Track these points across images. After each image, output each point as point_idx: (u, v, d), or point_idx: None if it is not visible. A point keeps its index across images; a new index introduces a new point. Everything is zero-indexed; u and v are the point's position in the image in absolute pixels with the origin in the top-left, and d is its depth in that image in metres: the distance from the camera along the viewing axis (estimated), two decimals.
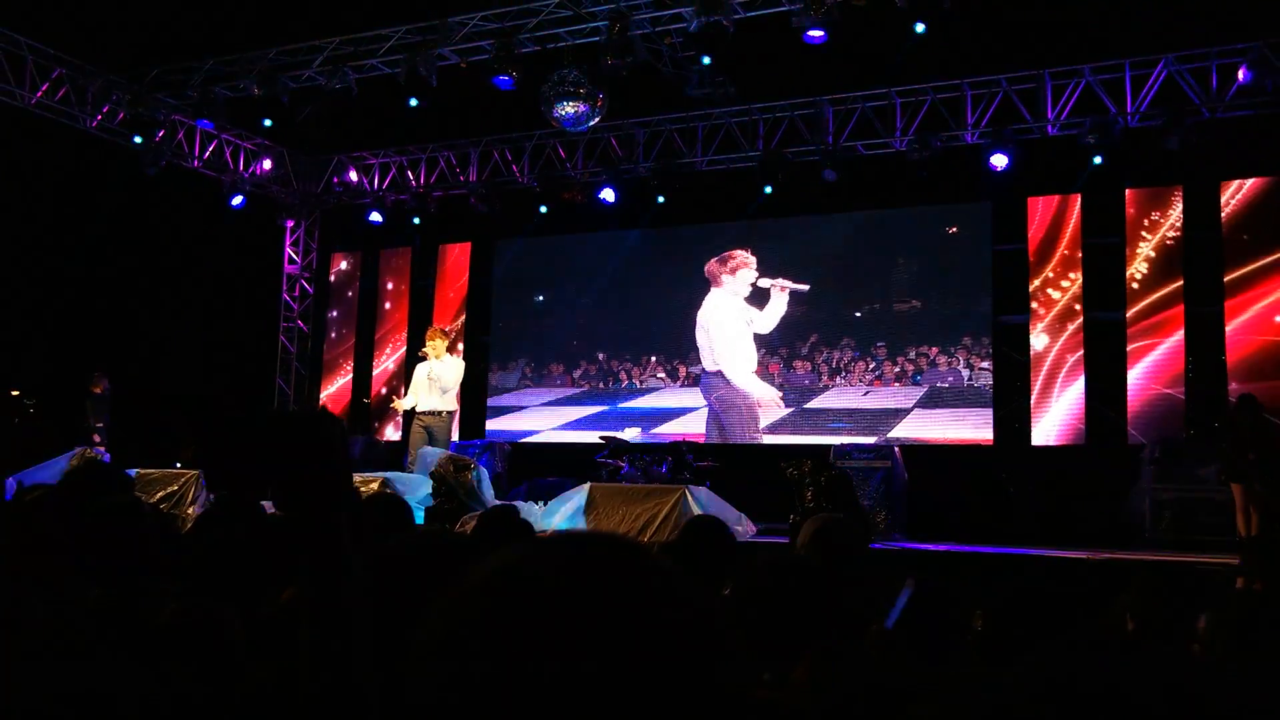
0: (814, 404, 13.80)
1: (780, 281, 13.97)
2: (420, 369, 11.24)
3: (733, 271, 14.26)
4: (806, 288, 13.90)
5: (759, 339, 14.16)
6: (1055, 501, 11.43)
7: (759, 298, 14.13)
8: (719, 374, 14.21)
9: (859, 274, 13.84)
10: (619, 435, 12.27)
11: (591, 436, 13.40)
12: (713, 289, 14.40)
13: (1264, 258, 11.66)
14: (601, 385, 15.07)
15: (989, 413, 12.83)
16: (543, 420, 15.16)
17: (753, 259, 14.22)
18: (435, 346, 11.09)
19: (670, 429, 13.99)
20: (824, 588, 2.54)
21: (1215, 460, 10.39)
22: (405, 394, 11.91)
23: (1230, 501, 10.03)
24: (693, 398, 14.38)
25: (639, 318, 15.00)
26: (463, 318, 15.85)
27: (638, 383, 14.85)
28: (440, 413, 10.92)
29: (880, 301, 13.72)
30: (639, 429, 14.19)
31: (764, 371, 14.11)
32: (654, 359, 14.80)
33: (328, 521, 1.41)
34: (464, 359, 15.40)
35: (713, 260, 14.43)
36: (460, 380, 11.28)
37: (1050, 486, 11.77)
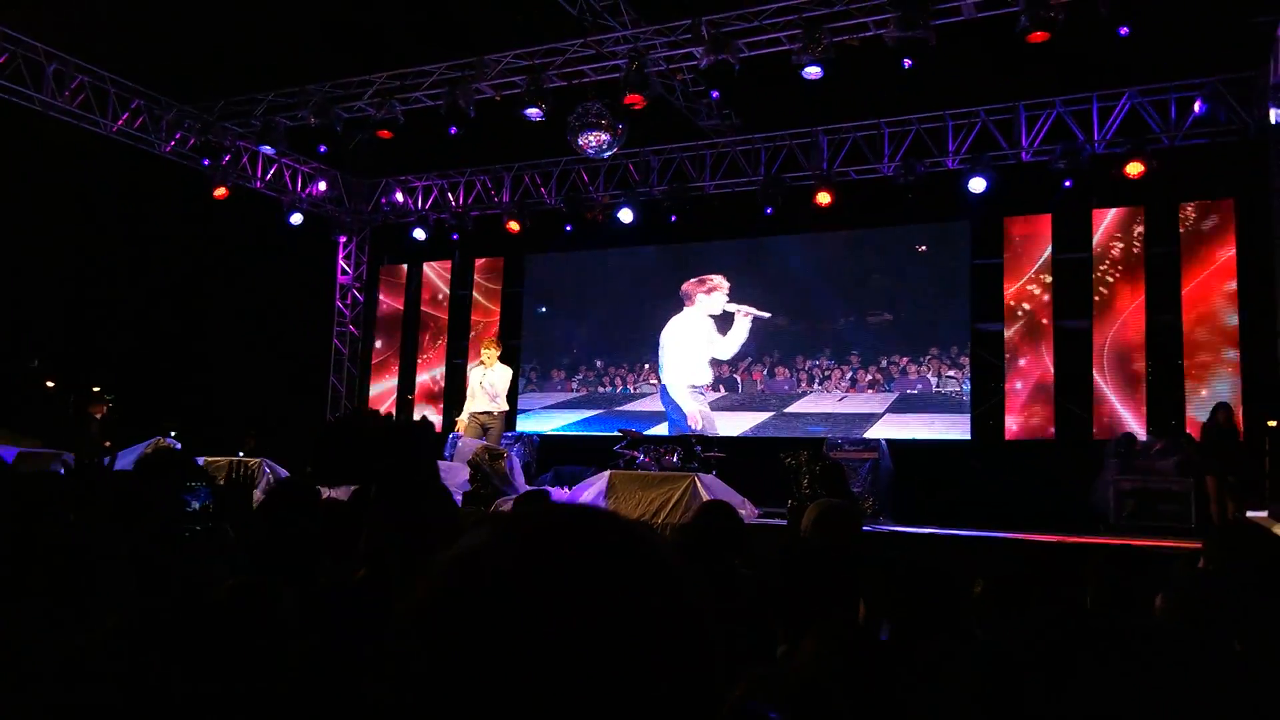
0: (793, 408, 13.65)
1: (745, 308, 13.74)
2: (474, 374, 11.35)
3: (708, 293, 14.11)
4: (769, 315, 13.70)
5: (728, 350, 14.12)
6: (1026, 491, 11.32)
7: (724, 321, 14.03)
8: (673, 386, 14.19)
9: (846, 288, 13.70)
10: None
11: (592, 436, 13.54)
12: (685, 307, 14.28)
13: (1214, 270, 11.57)
14: (599, 390, 14.91)
15: (957, 417, 12.72)
16: (546, 423, 14.97)
17: (726, 283, 14.04)
18: (489, 355, 11.23)
19: (662, 431, 13.78)
20: (830, 565, 2.51)
21: (1174, 454, 10.35)
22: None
23: (1185, 492, 9.98)
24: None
25: (641, 328, 14.76)
26: (496, 324, 15.85)
27: (632, 388, 14.69)
28: (492, 413, 11.00)
29: (856, 314, 13.55)
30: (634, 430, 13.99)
31: (747, 378, 13.99)
32: (648, 365, 14.61)
33: (418, 506, 1.41)
34: (496, 361, 15.48)
35: (690, 281, 14.31)
36: (508, 384, 11.37)
37: (1022, 477, 11.67)
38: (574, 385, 15.12)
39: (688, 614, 0.68)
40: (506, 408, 11.29)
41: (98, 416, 11.91)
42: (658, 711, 0.63)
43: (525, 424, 15.02)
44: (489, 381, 11.03)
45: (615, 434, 11.77)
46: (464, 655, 0.64)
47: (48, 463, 9.37)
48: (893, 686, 2.10)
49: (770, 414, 13.71)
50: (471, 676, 0.63)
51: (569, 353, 15.27)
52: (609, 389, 14.86)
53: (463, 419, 11.23)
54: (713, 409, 14.03)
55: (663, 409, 14.23)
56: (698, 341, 14.07)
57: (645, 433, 13.44)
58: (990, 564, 2.61)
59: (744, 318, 13.76)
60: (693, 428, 13.52)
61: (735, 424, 13.88)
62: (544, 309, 15.61)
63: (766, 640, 2.65)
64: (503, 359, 15.45)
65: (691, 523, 3.76)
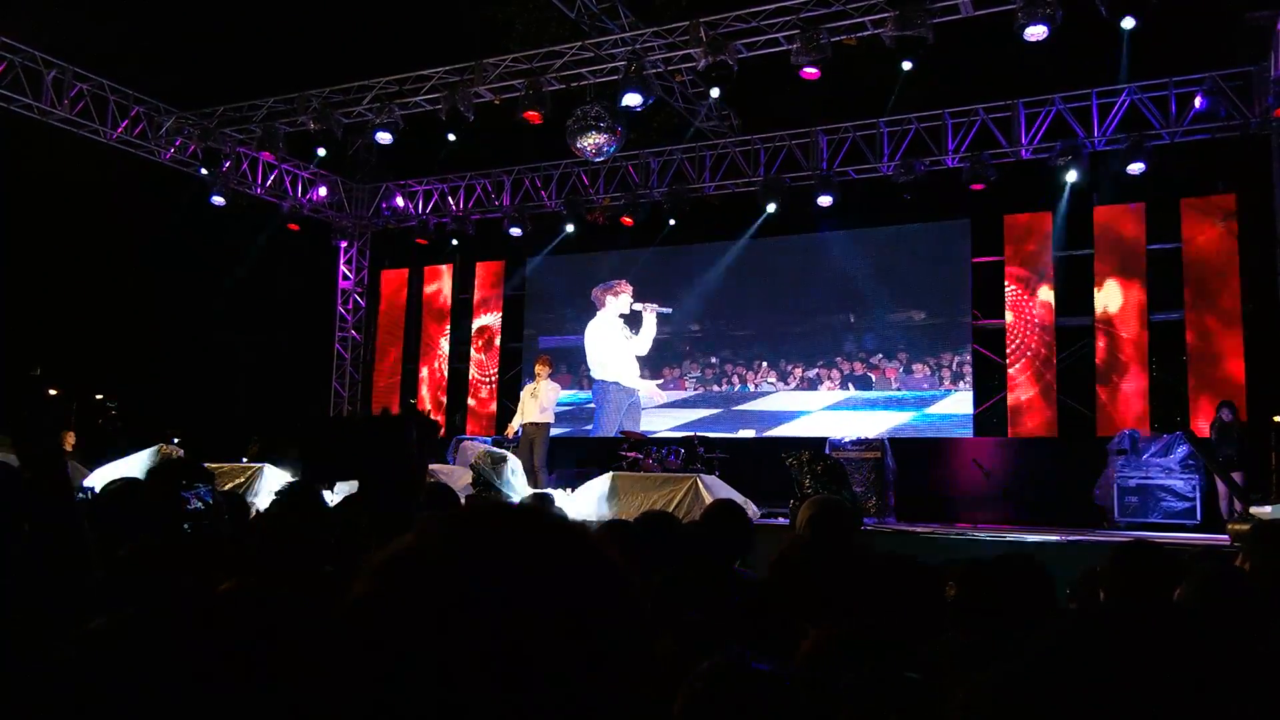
0: (936, 409, 12.81)
1: (649, 305, 14.21)
2: (525, 389, 11.73)
3: (615, 295, 14.59)
4: (670, 310, 14.12)
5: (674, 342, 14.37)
6: (1030, 488, 11.31)
7: (635, 321, 14.45)
8: (609, 381, 14.47)
9: (855, 287, 13.60)
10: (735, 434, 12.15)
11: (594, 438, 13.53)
12: (599, 311, 14.63)
13: (1217, 266, 11.56)
14: (715, 389, 14.27)
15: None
16: (662, 422, 14.21)
17: (630, 287, 14.49)
18: (541, 370, 11.63)
19: (784, 431, 13.16)
20: (824, 563, 2.51)
21: (1178, 451, 10.34)
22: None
23: (1190, 489, 9.97)
24: (806, 400, 13.56)
25: (750, 323, 14.22)
26: (499, 326, 15.89)
27: (751, 386, 14.13)
28: (540, 424, 11.30)
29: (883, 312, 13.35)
30: (753, 430, 13.50)
31: (880, 375, 13.25)
32: (764, 363, 14.00)
33: (405, 506, 1.41)
34: (498, 364, 15.62)
35: (597, 287, 14.69)
36: (556, 399, 11.73)
37: (1026, 474, 11.66)
38: (688, 384, 14.53)
39: (618, 600, 0.69)
40: (551, 419, 11.60)
41: (67, 447, 11.51)
42: (594, 696, 0.64)
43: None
44: (539, 393, 11.42)
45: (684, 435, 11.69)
46: (397, 649, 0.65)
47: None
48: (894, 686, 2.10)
49: (910, 414, 12.94)
50: (406, 670, 0.64)
51: (681, 349, 14.65)
52: (727, 387, 14.29)
53: (512, 428, 11.72)
54: (839, 409, 13.39)
55: (776, 409, 13.76)
56: (614, 340, 14.56)
57: (768, 433, 13.16)
58: (981, 563, 2.59)
59: (649, 314, 14.27)
60: (621, 420, 14.15)
61: (870, 425, 12.79)
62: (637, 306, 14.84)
63: (766, 640, 2.65)
64: (504, 361, 15.70)
65: (700, 522, 3.77)
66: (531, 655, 0.63)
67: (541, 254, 15.64)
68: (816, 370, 13.67)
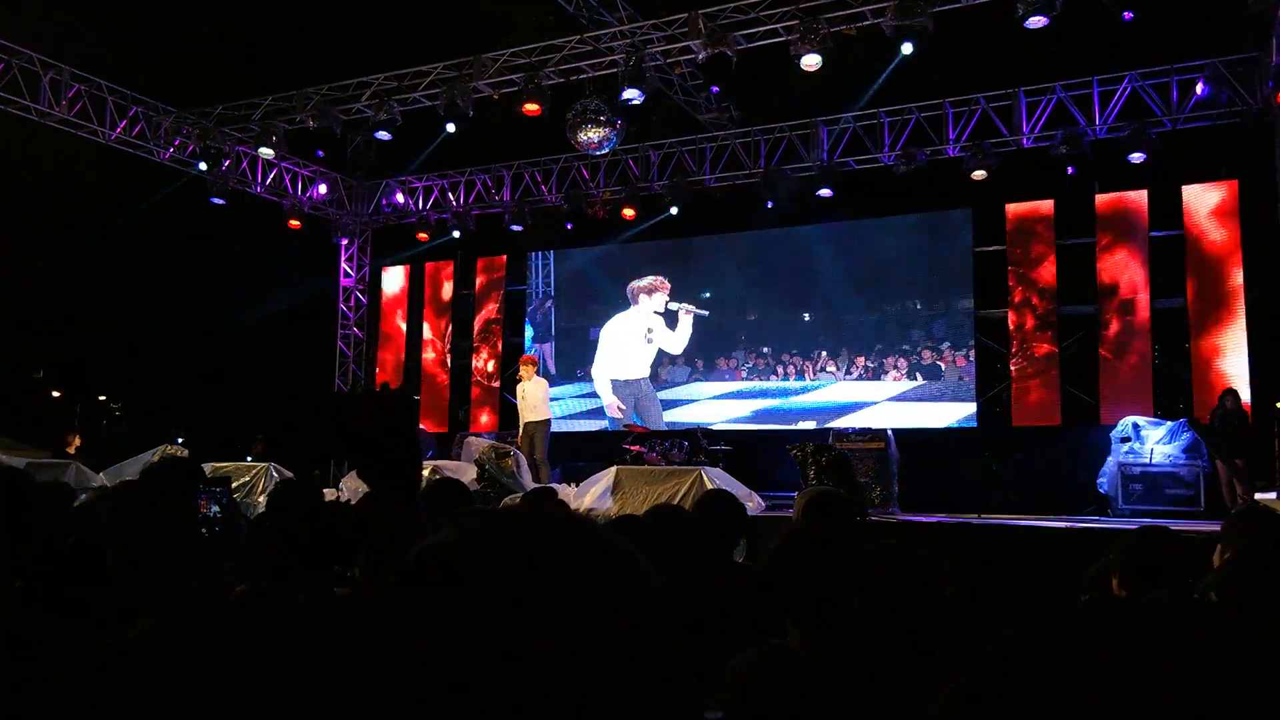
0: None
1: (685, 305, 14.31)
2: (517, 389, 11.90)
3: (649, 293, 14.70)
4: (706, 313, 14.19)
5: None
6: (1034, 476, 11.34)
7: (672, 319, 14.50)
8: (619, 379, 14.71)
9: (869, 278, 13.61)
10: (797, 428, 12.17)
11: (757, 426, 13.52)
12: (631, 307, 14.74)
13: (1219, 253, 11.57)
14: (769, 379, 13.96)
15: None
16: (716, 411, 14.05)
17: (668, 285, 14.55)
18: (526, 371, 11.75)
19: (845, 422, 12.73)
20: (821, 553, 2.54)
21: (1181, 438, 10.36)
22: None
23: (1193, 477, 10.01)
24: (868, 391, 13.31)
25: (792, 312, 14.06)
26: (501, 321, 15.94)
27: (808, 377, 13.77)
28: (537, 422, 11.39)
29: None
30: (814, 422, 13.26)
31: (949, 364, 12.99)
32: (823, 354, 13.72)
33: (408, 497, 1.42)
34: (499, 358, 15.68)
35: (633, 282, 14.73)
36: (546, 395, 11.77)
37: (1029, 463, 11.68)
38: (743, 374, 14.24)
39: (645, 603, 0.72)
40: (548, 415, 11.67)
41: (70, 450, 11.65)
42: (616, 693, 0.68)
43: (685, 414, 14.24)
44: (527, 392, 11.55)
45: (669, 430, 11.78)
46: (425, 643, 0.68)
47: (58, 473, 9.45)
48: (886, 676, 2.14)
49: (976, 404, 12.77)
50: (432, 663, 0.67)
51: (736, 339, 14.35)
52: (783, 377, 13.96)
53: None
54: (904, 399, 13.10)
55: (831, 401, 13.55)
56: (635, 338, 14.73)
57: (828, 425, 12.90)
58: (985, 554, 2.64)
59: (686, 315, 14.35)
60: (615, 416, 14.49)
61: (935, 416, 12.77)
62: (708, 294, 14.61)
63: (772, 632, 2.69)
64: (506, 357, 15.73)
65: (692, 514, 3.80)
66: (563, 656, 0.67)
67: (543, 249, 15.70)
68: (879, 360, 13.36)
